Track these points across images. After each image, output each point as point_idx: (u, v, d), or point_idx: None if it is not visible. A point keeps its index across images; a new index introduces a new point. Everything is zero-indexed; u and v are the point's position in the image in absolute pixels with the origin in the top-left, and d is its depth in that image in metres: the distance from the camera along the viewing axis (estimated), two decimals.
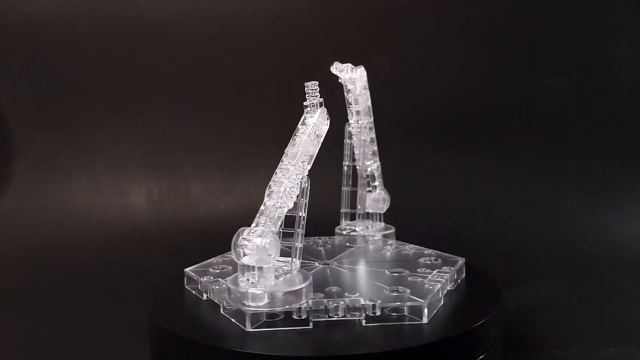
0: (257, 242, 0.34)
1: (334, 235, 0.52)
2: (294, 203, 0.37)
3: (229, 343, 0.33)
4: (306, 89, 0.40)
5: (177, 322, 0.36)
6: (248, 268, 0.34)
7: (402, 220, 0.51)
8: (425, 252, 0.46)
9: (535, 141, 0.80)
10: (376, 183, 0.50)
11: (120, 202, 0.82)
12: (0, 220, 0.80)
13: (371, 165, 0.50)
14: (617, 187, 0.76)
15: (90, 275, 0.67)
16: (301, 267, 0.43)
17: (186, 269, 0.42)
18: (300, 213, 0.37)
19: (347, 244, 0.50)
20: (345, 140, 0.49)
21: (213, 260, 0.45)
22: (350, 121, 0.49)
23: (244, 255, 0.34)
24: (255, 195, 0.80)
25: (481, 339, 0.35)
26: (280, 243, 0.36)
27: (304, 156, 0.38)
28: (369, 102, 0.49)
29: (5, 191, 0.83)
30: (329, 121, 0.41)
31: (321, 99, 0.40)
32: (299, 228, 0.37)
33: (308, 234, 0.51)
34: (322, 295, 0.36)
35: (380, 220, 0.51)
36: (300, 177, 0.37)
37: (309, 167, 0.38)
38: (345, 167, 0.50)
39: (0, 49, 0.85)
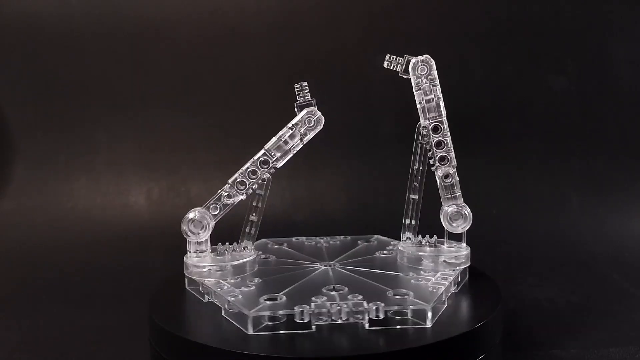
0: (188, 216, 0.43)
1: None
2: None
3: (229, 344, 0.33)
4: (296, 90, 0.41)
5: (176, 323, 0.36)
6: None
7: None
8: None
9: (535, 141, 0.80)
10: (447, 195, 0.44)
11: (120, 202, 0.82)
12: (0, 220, 0.80)
13: (437, 172, 0.44)
14: (617, 187, 0.76)
15: (90, 275, 0.66)
16: (305, 265, 0.44)
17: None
18: (254, 203, 0.44)
19: (406, 261, 0.44)
20: (415, 141, 0.44)
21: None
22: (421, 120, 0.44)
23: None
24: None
25: (482, 339, 0.35)
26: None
27: (269, 154, 0.42)
28: (433, 98, 0.43)
29: (5, 191, 0.83)
30: (322, 121, 0.42)
31: (312, 99, 0.41)
32: (251, 214, 0.44)
33: (318, 233, 0.51)
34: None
35: (460, 240, 0.44)
36: (259, 174, 0.42)
37: (279, 163, 0.42)
38: (411, 171, 0.45)
39: (0, 49, 0.85)
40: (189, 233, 0.43)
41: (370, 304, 0.34)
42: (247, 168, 0.42)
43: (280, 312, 0.34)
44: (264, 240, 0.51)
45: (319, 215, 0.78)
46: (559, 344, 0.46)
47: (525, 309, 0.54)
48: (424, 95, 0.43)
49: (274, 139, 0.42)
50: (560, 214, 0.75)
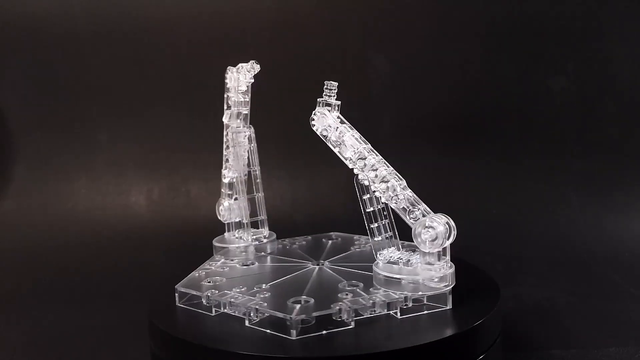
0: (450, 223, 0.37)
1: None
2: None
3: (228, 344, 0.33)
4: (325, 87, 0.41)
5: (175, 324, 0.36)
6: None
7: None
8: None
9: (535, 141, 0.80)
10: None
11: (120, 202, 0.82)
12: (0, 220, 0.80)
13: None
14: (617, 187, 0.76)
15: (90, 275, 0.67)
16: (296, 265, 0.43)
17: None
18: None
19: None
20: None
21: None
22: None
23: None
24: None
25: (481, 338, 0.35)
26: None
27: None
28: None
29: (6, 191, 0.83)
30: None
31: (338, 102, 0.41)
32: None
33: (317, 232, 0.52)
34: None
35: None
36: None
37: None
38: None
39: (0, 49, 0.85)
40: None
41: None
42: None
43: None
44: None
45: (319, 215, 0.78)
46: (559, 344, 0.46)
47: (525, 308, 0.54)
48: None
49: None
50: (560, 214, 0.75)
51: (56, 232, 0.78)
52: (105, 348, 0.48)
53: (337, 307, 0.34)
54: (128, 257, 0.71)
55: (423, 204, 0.38)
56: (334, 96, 0.41)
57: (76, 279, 0.66)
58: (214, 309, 0.37)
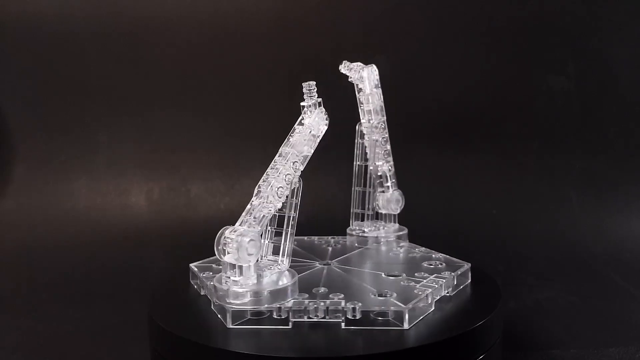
0: (238, 240, 0.34)
1: (345, 235, 0.51)
2: (286, 203, 0.38)
3: (230, 343, 0.33)
4: (304, 89, 0.40)
5: (175, 322, 0.36)
6: (232, 266, 0.34)
7: (401, 220, 0.52)
8: (434, 255, 0.45)
9: (535, 141, 0.80)
10: (389, 183, 0.49)
11: (120, 202, 0.82)
12: (0, 220, 0.80)
13: (383, 165, 0.49)
14: (617, 187, 0.76)
15: (91, 275, 0.67)
16: (303, 265, 0.44)
17: (191, 264, 0.43)
18: (290, 213, 0.38)
19: (357, 244, 0.49)
20: (356, 140, 0.49)
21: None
22: (362, 120, 0.49)
23: (227, 253, 0.34)
24: None
25: (481, 339, 0.35)
26: (273, 242, 0.37)
27: (297, 156, 0.38)
28: (381, 101, 0.48)
29: (5, 191, 0.83)
30: (327, 121, 0.41)
31: (319, 99, 0.40)
32: (288, 228, 0.37)
33: (320, 232, 0.52)
34: (307, 295, 0.36)
35: (393, 222, 0.51)
36: (291, 177, 0.37)
37: (302, 167, 0.39)
38: (357, 167, 0.50)
39: (0, 49, 0.85)
40: (246, 259, 0.34)
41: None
42: (284, 172, 0.38)
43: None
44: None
45: (319, 215, 0.78)
46: (559, 344, 0.46)
47: (525, 309, 0.54)
48: (370, 99, 0.48)
49: (296, 143, 0.39)
50: (560, 214, 0.75)
51: (56, 232, 0.78)
52: (105, 348, 0.48)
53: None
54: (128, 257, 0.71)
55: (257, 216, 0.36)
56: (314, 95, 0.41)
57: (76, 279, 0.66)
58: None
